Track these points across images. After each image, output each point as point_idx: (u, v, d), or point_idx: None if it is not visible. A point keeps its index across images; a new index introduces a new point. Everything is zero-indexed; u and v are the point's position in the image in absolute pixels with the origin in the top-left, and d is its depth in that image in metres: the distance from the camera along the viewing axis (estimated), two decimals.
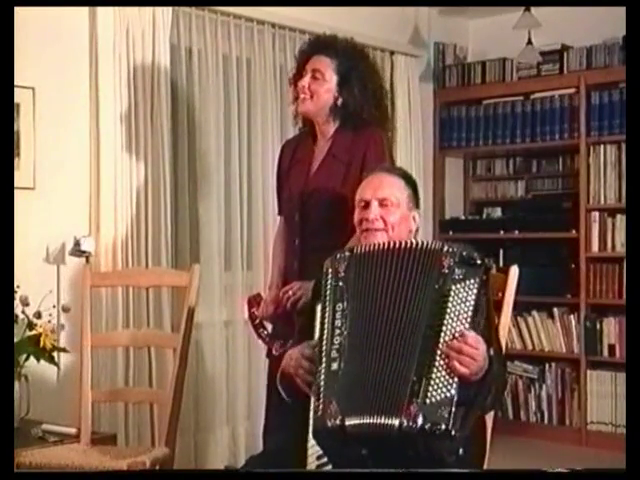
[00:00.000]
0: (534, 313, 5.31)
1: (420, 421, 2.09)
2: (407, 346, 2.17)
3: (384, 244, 2.38)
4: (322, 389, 2.20)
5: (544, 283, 5.16)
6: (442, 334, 2.16)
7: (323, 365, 2.22)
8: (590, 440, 5.05)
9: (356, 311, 2.26)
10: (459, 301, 2.19)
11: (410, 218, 2.61)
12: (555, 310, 5.26)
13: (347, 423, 2.14)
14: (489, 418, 2.50)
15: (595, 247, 5.08)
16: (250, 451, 3.78)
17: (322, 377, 2.21)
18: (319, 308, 2.32)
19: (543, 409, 5.29)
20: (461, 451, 2.17)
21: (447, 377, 2.13)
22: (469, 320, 2.17)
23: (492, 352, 2.20)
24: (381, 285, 2.27)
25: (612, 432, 5.00)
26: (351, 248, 2.40)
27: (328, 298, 2.30)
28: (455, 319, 2.17)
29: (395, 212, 2.56)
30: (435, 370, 2.13)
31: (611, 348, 5.04)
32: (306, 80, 3.13)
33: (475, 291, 2.20)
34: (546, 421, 5.28)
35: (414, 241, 2.38)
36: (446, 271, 2.22)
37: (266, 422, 3.22)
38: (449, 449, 2.14)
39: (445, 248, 2.27)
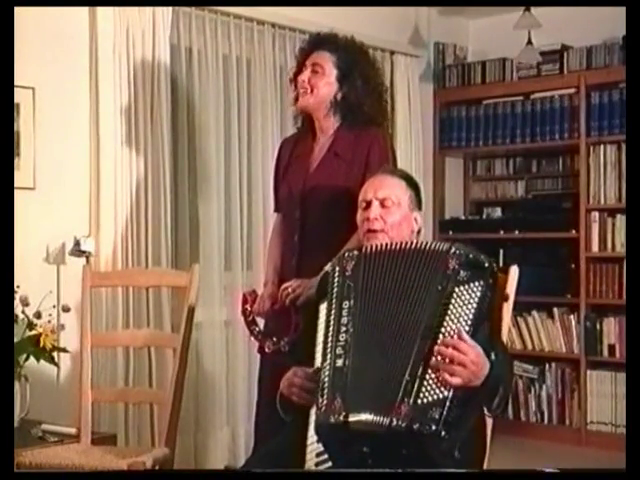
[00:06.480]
0: (534, 313, 5.31)
1: (409, 421, 2.08)
2: (406, 346, 2.17)
3: (393, 244, 2.39)
4: (327, 385, 2.19)
5: (544, 283, 5.15)
6: (440, 335, 2.15)
7: (328, 362, 2.22)
8: (590, 440, 5.05)
9: (362, 309, 2.26)
10: (461, 303, 2.18)
11: (412, 219, 2.61)
12: (555, 310, 5.26)
13: (351, 419, 2.13)
14: (489, 419, 2.50)
15: (595, 247, 5.08)
16: (250, 451, 3.78)
17: (327, 373, 2.21)
18: (324, 306, 2.32)
19: (543, 409, 5.29)
20: (457, 454, 2.15)
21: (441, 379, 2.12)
22: (469, 323, 2.16)
23: (494, 357, 2.18)
24: (388, 285, 2.27)
25: (612, 432, 5.00)
26: (359, 247, 2.41)
27: (335, 296, 2.30)
28: (455, 321, 2.16)
29: (395, 212, 2.57)
30: (430, 371, 2.13)
31: (611, 348, 5.03)
32: (306, 74, 3.13)
33: (479, 294, 2.19)
34: (546, 421, 5.28)
35: (422, 241, 2.39)
36: (450, 273, 2.22)
37: (257, 416, 3.23)
38: (442, 451, 2.13)
39: (452, 250, 2.27)
